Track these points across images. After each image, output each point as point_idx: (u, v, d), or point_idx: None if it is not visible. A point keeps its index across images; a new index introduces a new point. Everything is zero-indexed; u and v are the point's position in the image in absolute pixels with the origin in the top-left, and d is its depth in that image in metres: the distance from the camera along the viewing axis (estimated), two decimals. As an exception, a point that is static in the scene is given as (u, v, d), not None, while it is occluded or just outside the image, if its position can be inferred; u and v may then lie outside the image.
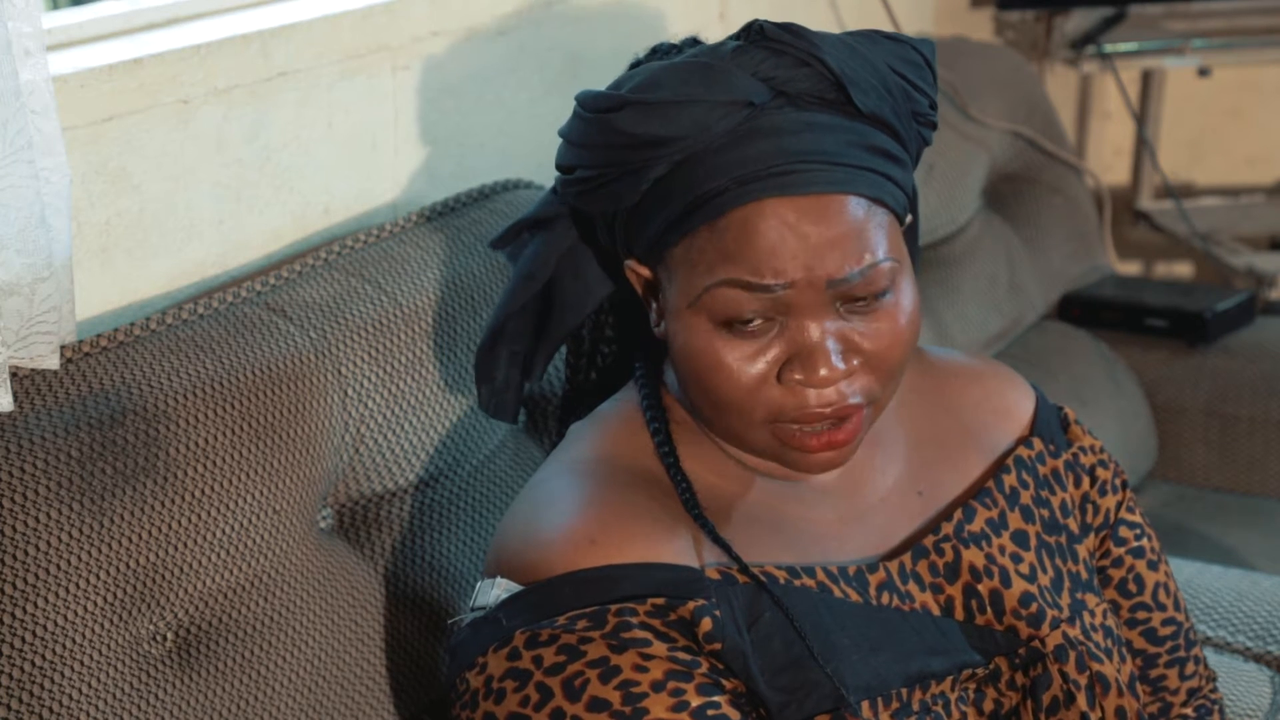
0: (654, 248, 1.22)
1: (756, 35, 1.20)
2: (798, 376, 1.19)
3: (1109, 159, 3.26)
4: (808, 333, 1.18)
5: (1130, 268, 3.28)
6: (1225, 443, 2.59)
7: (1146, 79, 3.10)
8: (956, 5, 2.98)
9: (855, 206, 1.18)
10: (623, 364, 1.42)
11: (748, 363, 1.19)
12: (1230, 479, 2.59)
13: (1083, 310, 2.68)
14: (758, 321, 1.18)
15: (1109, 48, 2.95)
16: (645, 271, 1.26)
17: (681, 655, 1.17)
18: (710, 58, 1.19)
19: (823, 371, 1.18)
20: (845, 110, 1.19)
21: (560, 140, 1.27)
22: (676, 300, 1.21)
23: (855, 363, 1.20)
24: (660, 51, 1.29)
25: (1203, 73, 2.98)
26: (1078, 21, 2.97)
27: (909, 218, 1.28)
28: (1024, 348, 2.57)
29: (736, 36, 1.22)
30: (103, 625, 1.29)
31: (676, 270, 1.21)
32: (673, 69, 1.19)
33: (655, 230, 1.21)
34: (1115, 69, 2.95)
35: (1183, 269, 3.31)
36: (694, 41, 1.30)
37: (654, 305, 1.27)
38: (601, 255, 1.36)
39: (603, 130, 1.20)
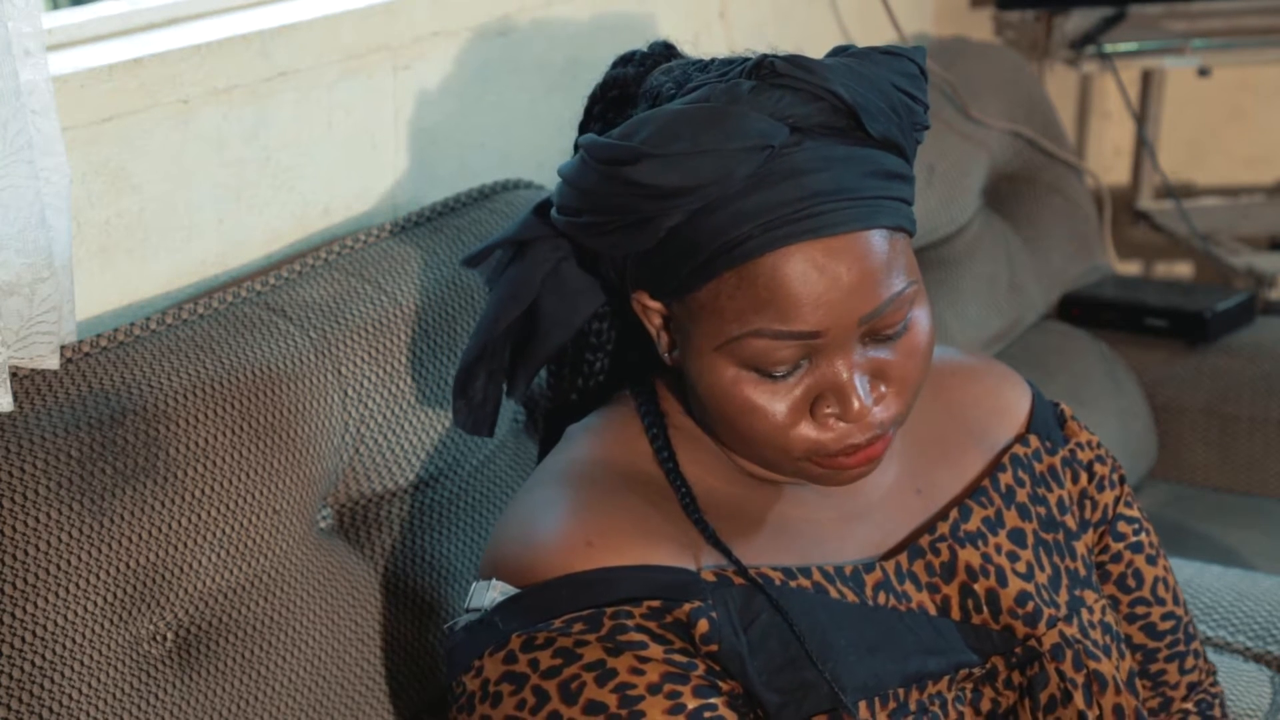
0: (675, 289, 1.21)
1: (768, 73, 1.17)
2: (831, 411, 1.19)
3: (1109, 159, 3.26)
4: (837, 371, 1.18)
5: (1130, 268, 3.28)
6: (1225, 443, 2.59)
7: (1146, 79, 3.10)
8: (956, 5, 2.98)
9: (879, 240, 1.17)
10: (609, 374, 1.40)
11: (778, 401, 1.19)
12: (1230, 479, 2.59)
13: (1083, 310, 2.68)
14: (786, 366, 1.19)
15: (1109, 48, 2.94)
16: (658, 306, 1.24)
17: (678, 657, 1.17)
18: (723, 101, 1.16)
19: (856, 406, 1.18)
20: (855, 136, 1.18)
21: (561, 181, 1.23)
22: (700, 342, 1.20)
23: (884, 389, 1.20)
24: (633, 61, 1.27)
25: (1203, 73, 2.98)
26: (1078, 21, 2.97)
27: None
28: (1024, 348, 2.57)
29: (747, 74, 1.18)
30: (103, 625, 1.29)
31: (701, 314, 1.20)
32: (685, 117, 1.16)
33: (677, 276, 1.19)
34: (1115, 69, 2.95)
35: (1183, 269, 3.31)
36: (665, 47, 1.28)
37: (664, 335, 1.26)
38: (587, 273, 1.33)
39: (616, 182, 1.17)
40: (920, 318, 1.22)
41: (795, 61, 1.17)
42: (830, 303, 1.16)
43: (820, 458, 1.21)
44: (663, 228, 1.18)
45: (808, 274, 1.16)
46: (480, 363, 1.35)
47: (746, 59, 1.20)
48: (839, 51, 1.22)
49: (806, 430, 1.20)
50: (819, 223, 1.15)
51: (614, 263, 1.25)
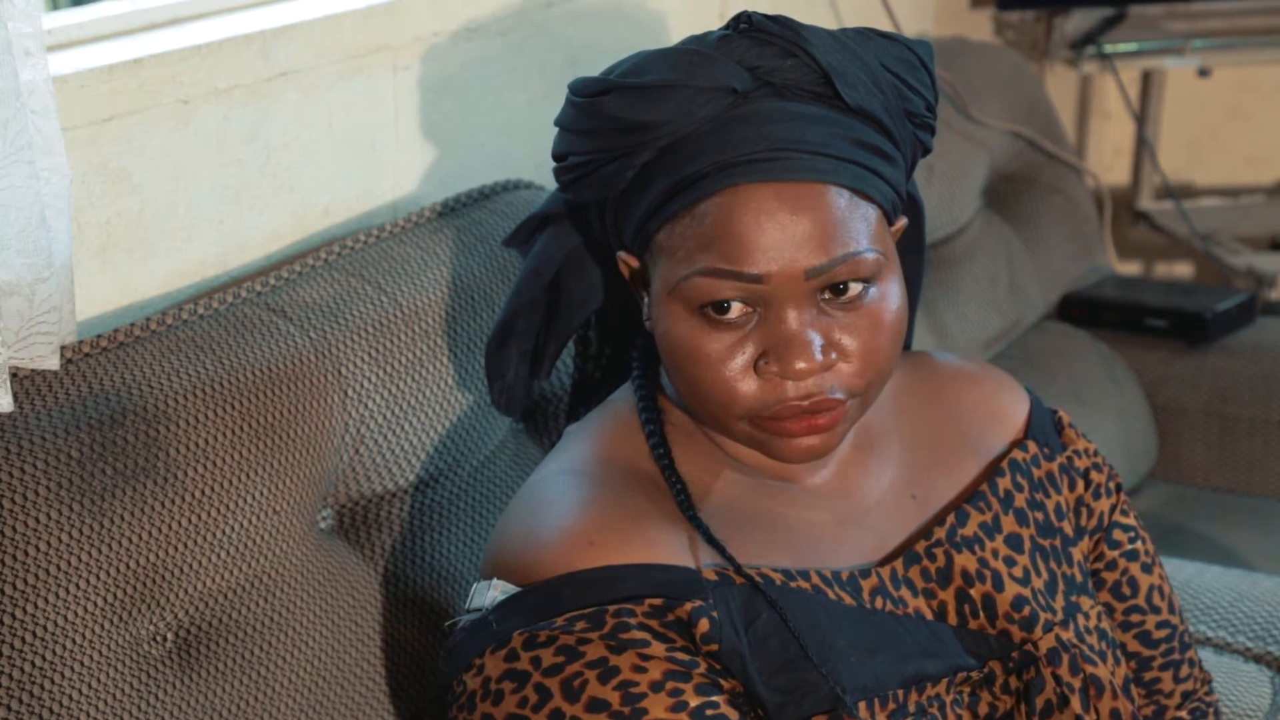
0: (639, 234, 1.23)
1: (744, 24, 1.21)
2: (774, 368, 1.18)
3: (1109, 159, 3.26)
4: (786, 324, 1.18)
5: (1130, 268, 3.28)
6: (1225, 443, 2.59)
7: (1146, 79, 3.10)
8: (956, 5, 2.98)
9: (836, 196, 1.18)
10: (626, 364, 1.42)
11: (728, 354, 1.19)
12: (1230, 479, 2.59)
13: (1083, 310, 2.68)
14: (736, 310, 1.18)
15: (1109, 48, 2.95)
16: (633, 261, 1.26)
17: (680, 656, 1.17)
18: (698, 45, 1.21)
19: (800, 365, 1.17)
20: (833, 104, 1.19)
21: (557, 130, 1.28)
22: (659, 288, 1.22)
23: (834, 356, 1.20)
24: None
25: (1203, 73, 2.98)
26: (1078, 21, 2.97)
27: (902, 220, 1.28)
28: (1024, 348, 2.57)
29: (727, 26, 1.23)
30: (103, 625, 1.29)
31: (659, 257, 1.22)
32: (660, 55, 1.21)
33: (640, 216, 1.21)
34: (1115, 69, 2.95)
35: (1183, 269, 3.31)
36: None
37: (645, 297, 1.27)
38: (604, 253, 1.36)
39: (592, 115, 1.21)
40: (887, 296, 1.21)
41: (775, 18, 1.21)
42: (776, 249, 1.16)
43: (762, 420, 1.20)
44: (633, 165, 1.20)
45: (756, 217, 1.16)
46: (511, 340, 1.39)
47: None
48: (843, 30, 1.24)
49: (749, 386, 1.19)
50: (774, 167, 1.17)
51: (601, 219, 1.27)
